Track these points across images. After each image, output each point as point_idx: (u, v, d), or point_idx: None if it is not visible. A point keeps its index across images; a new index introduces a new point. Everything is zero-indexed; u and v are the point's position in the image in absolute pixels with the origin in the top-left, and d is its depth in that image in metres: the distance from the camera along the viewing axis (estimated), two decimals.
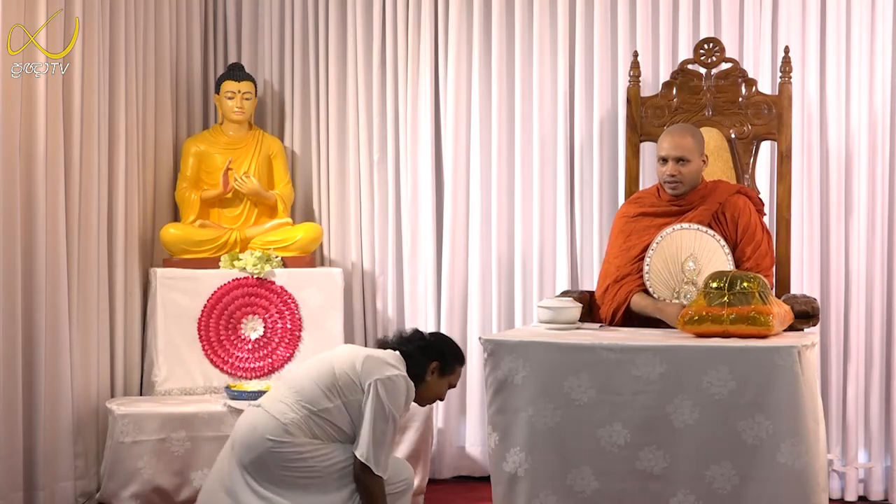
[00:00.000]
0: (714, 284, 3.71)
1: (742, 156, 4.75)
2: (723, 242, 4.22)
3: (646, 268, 4.27)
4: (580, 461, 3.58)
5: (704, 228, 4.25)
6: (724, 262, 4.18)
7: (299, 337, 5.30)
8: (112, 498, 4.76)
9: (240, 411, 4.78)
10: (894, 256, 5.05)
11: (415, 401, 3.95)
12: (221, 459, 3.93)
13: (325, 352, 4.04)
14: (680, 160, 4.33)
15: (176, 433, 4.76)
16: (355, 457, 3.76)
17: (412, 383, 3.86)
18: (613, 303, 4.32)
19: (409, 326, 4.50)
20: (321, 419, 3.79)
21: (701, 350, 3.54)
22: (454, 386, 4.05)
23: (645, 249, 4.31)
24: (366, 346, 5.61)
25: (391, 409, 3.76)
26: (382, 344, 4.00)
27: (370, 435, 3.74)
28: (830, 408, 5.01)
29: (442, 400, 4.08)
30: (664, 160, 4.36)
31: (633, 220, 4.45)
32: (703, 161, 4.40)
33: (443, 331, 5.45)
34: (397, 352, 3.91)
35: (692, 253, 4.21)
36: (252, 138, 5.57)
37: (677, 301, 4.19)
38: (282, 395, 3.87)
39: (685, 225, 4.27)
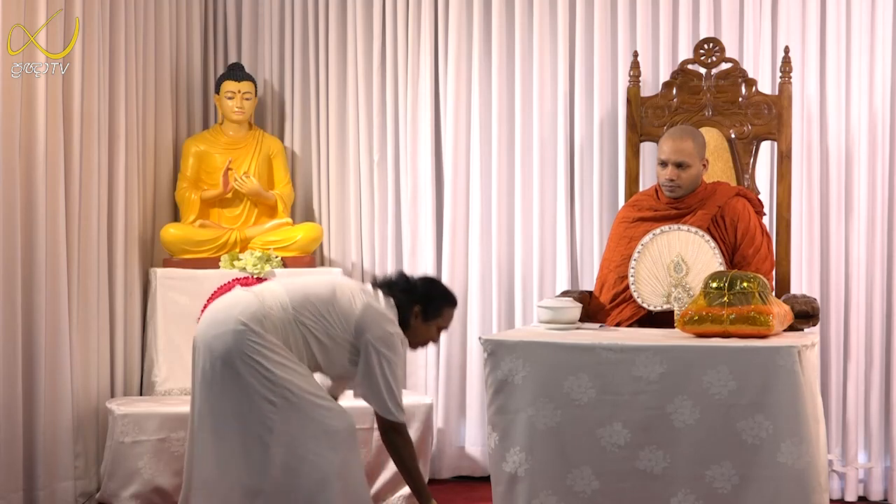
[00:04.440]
0: (714, 284, 3.70)
1: (742, 156, 4.75)
2: (707, 237, 4.20)
3: (631, 278, 4.26)
4: (580, 461, 3.57)
5: (686, 227, 4.23)
6: (712, 257, 4.16)
7: None
8: (112, 498, 4.76)
9: None
10: (894, 256, 5.05)
11: (411, 346, 3.92)
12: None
13: (332, 276, 3.95)
14: (680, 165, 4.32)
15: (176, 433, 4.76)
16: (378, 416, 3.75)
17: (405, 338, 3.82)
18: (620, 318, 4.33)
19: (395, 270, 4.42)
20: (299, 332, 3.68)
21: (701, 350, 3.54)
22: (445, 328, 3.98)
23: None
24: None
25: (397, 364, 3.74)
26: (372, 284, 3.89)
27: (384, 390, 3.71)
28: (830, 408, 5.01)
29: (435, 342, 4.02)
30: (664, 163, 4.35)
31: (633, 225, 4.44)
32: (704, 165, 4.39)
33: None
34: (391, 300, 3.82)
35: (679, 254, 4.20)
36: (252, 138, 5.58)
37: (668, 306, 4.18)
38: (275, 289, 3.74)
39: (665, 228, 4.25)
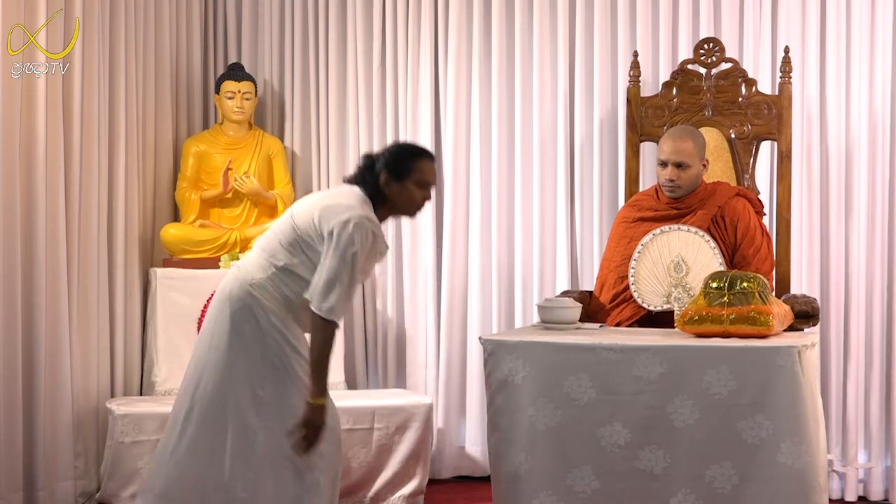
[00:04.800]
0: (714, 284, 3.70)
1: (742, 156, 4.76)
2: (707, 237, 4.20)
3: (631, 278, 4.25)
4: (580, 461, 3.57)
5: (686, 227, 4.23)
6: (712, 257, 4.16)
7: None
8: (112, 498, 4.76)
9: None
10: (894, 256, 5.05)
11: (405, 216, 3.76)
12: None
13: (291, 207, 3.86)
14: (679, 165, 4.33)
15: None
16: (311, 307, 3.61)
17: (375, 219, 3.63)
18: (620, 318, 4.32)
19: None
20: (289, 274, 3.63)
21: (701, 350, 3.54)
22: (429, 184, 3.72)
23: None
24: (364, 342, 5.62)
25: (348, 251, 3.54)
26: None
27: (322, 278, 3.55)
28: (830, 408, 5.01)
29: (428, 199, 3.74)
30: (664, 164, 4.35)
31: (633, 225, 4.44)
32: (704, 165, 4.39)
33: (442, 331, 5.46)
34: (356, 187, 3.69)
35: (679, 254, 4.20)
36: (252, 138, 5.58)
37: (668, 306, 4.18)
38: (252, 254, 3.75)
39: (665, 228, 4.25)
